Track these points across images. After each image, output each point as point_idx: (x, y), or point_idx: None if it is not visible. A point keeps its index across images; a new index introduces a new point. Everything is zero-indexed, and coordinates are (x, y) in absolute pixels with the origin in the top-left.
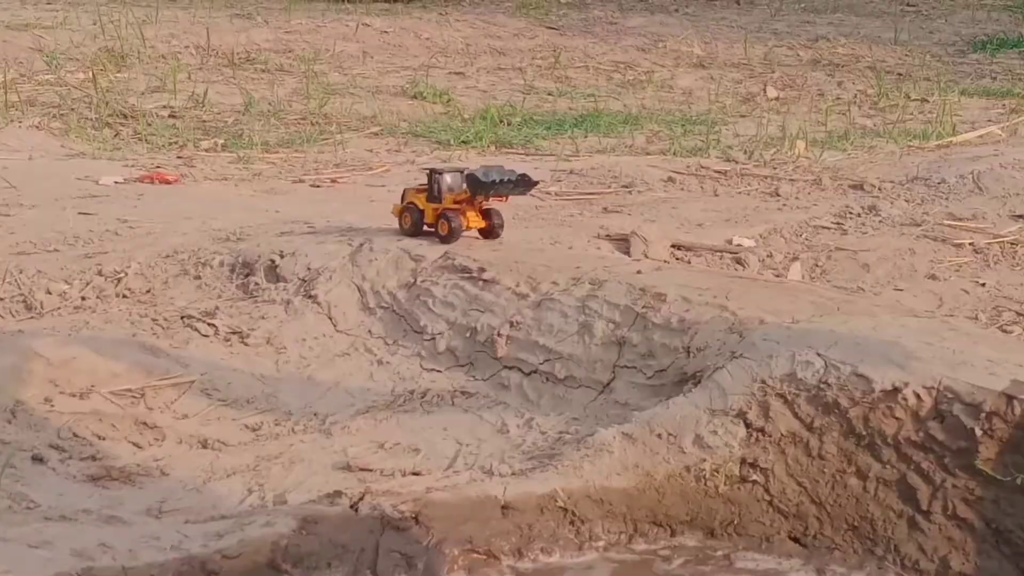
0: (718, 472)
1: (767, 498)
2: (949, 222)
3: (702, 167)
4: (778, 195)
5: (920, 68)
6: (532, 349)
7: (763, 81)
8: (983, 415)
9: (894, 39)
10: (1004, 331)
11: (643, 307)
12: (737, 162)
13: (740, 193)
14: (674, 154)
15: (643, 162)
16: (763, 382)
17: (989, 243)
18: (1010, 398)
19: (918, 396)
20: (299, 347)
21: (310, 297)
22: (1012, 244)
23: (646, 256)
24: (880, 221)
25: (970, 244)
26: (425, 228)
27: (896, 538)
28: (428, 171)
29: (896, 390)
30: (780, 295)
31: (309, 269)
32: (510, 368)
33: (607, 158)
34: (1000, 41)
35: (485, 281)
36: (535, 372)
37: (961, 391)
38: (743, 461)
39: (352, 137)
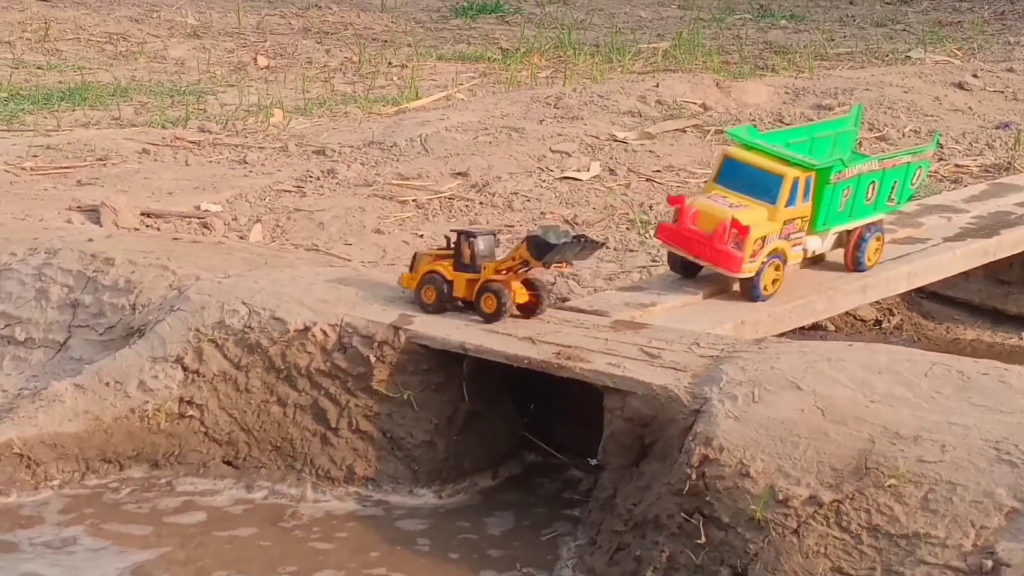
0: (159, 411)
1: (203, 430)
2: (397, 182)
3: (177, 138)
4: (246, 163)
5: (404, 34)
6: None
7: (255, 51)
8: (376, 344)
9: (381, 6)
10: None
11: (94, 271)
12: (211, 132)
13: (211, 162)
14: (162, 126)
15: (120, 135)
16: (197, 330)
17: (430, 199)
18: (396, 329)
19: (325, 332)
20: None
21: None
22: (449, 199)
23: (116, 225)
24: (337, 183)
25: (413, 201)
26: (454, 303)
27: (311, 453)
28: (456, 233)
29: (307, 328)
30: (216, 254)
31: None
32: None
33: (87, 131)
34: (479, 7)
35: None
36: None
37: (359, 326)
38: (181, 400)
39: None
